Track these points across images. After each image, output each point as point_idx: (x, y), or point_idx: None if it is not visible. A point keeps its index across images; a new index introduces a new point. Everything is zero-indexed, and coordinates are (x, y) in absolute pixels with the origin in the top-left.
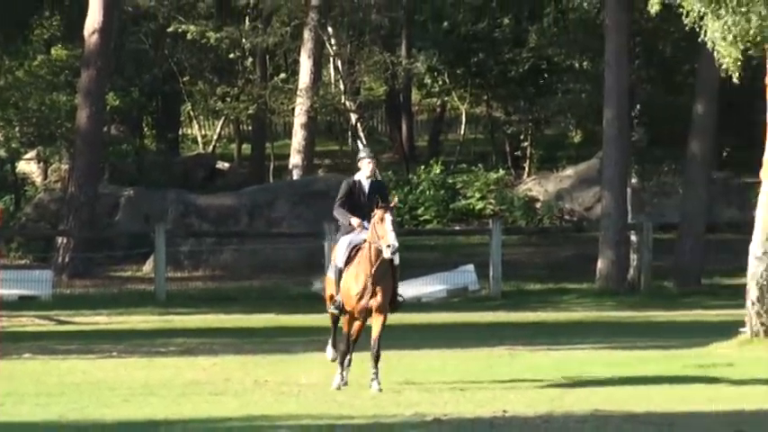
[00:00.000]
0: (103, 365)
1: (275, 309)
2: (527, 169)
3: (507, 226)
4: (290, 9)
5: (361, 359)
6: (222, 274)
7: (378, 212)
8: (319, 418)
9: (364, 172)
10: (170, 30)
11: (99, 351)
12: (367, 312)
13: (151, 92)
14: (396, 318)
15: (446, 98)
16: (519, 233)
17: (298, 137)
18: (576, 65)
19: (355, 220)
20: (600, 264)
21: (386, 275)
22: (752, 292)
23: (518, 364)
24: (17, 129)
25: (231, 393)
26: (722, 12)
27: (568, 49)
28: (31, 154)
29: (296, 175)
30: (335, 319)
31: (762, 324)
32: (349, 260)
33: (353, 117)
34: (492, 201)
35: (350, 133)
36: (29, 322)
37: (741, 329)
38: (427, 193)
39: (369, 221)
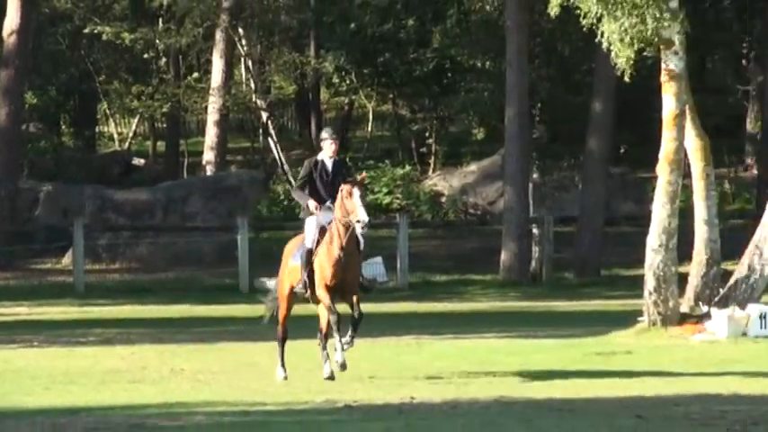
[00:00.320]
0: (25, 354)
1: (190, 300)
2: (432, 165)
3: (413, 220)
4: (203, 11)
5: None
6: (138, 266)
7: (345, 187)
8: (234, 405)
9: (326, 152)
10: (86, 31)
11: (20, 341)
12: (341, 285)
13: (68, 90)
14: (306, 309)
15: (353, 96)
16: (425, 227)
17: (210, 134)
18: (479, 64)
19: (312, 203)
20: (503, 256)
21: (353, 253)
22: (649, 283)
23: (425, 353)
24: None
25: (149, 381)
26: (619, 14)
27: (471, 49)
28: None
29: (209, 170)
30: (284, 337)
31: (659, 313)
32: (318, 242)
33: (264, 115)
34: (399, 195)
35: (261, 131)
36: None
37: (639, 319)
38: None
39: (333, 200)
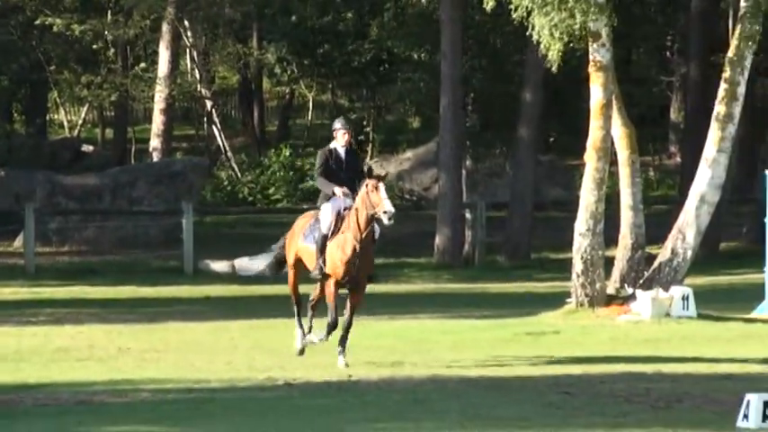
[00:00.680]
0: None
1: (136, 281)
2: (370, 152)
3: None
4: (150, 4)
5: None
6: (87, 249)
7: (371, 182)
8: (178, 382)
9: (339, 141)
10: (37, 22)
11: None
12: (351, 279)
13: (20, 80)
14: (247, 290)
15: (294, 86)
16: None
17: (157, 122)
18: (415, 56)
19: (338, 189)
20: (437, 240)
21: (369, 245)
22: (577, 266)
23: (362, 333)
24: None
25: (96, 359)
26: (548, 8)
27: (407, 41)
28: None
29: (155, 157)
30: (298, 301)
31: (586, 295)
32: (334, 228)
33: (209, 104)
34: None
35: (205, 119)
36: None
37: (567, 300)
38: (277, 174)
39: (348, 188)
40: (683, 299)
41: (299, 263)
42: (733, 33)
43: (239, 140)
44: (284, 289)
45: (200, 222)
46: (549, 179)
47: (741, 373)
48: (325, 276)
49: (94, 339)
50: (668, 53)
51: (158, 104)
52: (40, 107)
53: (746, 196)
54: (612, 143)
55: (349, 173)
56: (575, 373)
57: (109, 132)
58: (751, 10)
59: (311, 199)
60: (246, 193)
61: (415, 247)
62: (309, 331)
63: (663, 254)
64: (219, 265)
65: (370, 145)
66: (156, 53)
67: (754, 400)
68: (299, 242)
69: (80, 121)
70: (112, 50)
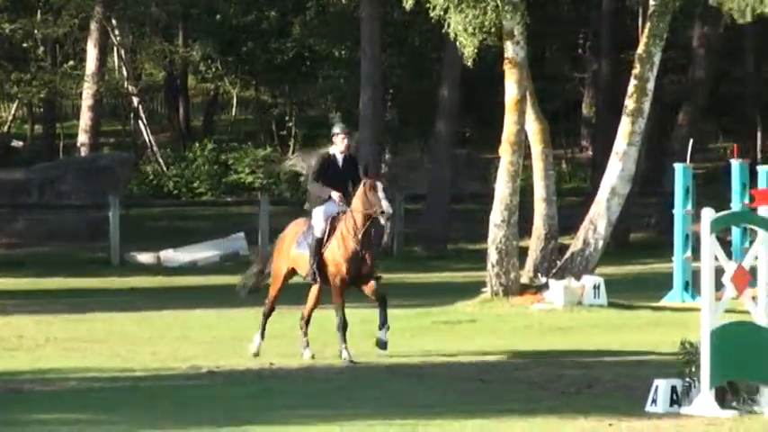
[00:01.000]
0: None
1: (64, 272)
2: (292, 147)
3: (274, 198)
4: (78, 3)
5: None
6: (16, 241)
7: (368, 181)
8: (104, 371)
9: (339, 147)
10: None
11: None
12: (355, 278)
13: None
14: (172, 281)
15: (219, 83)
16: (285, 204)
17: (85, 118)
18: (336, 53)
19: (335, 193)
20: None
21: (370, 242)
22: (492, 256)
23: (284, 322)
24: None
25: (24, 349)
26: (464, 6)
27: (328, 39)
28: None
29: (83, 152)
30: (269, 312)
31: (501, 284)
32: (329, 232)
33: (135, 100)
34: (260, 175)
35: (132, 115)
36: None
37: (482, 290)
38: (202, 168)
39: (344, 194)
40: (594, 288)
41: (291, 273)
42: (642, 31)
43: (165, 136)
44: (209, 280)
45: (126, 215)
46: (466, 172)
47: (650, 359)
48: (321, 280)
49: (23, 330)
50: (580, 51)
51: (86, 101)
52: None
53: (655, 189)
54: (526, 137)
55: (345, 181)
56: (490, 361)
57: (38, 128)
58: (659, 9)
59: (235, 192)
60: (172, 186)
61: None
62: (308, 344)
63: (575, 244)
64: (145, 257)
65: (292, 140)
66: (84, 51)
67: (662, 386)
68: (293, 250)
69: (10, 118)
70: (42, 48)
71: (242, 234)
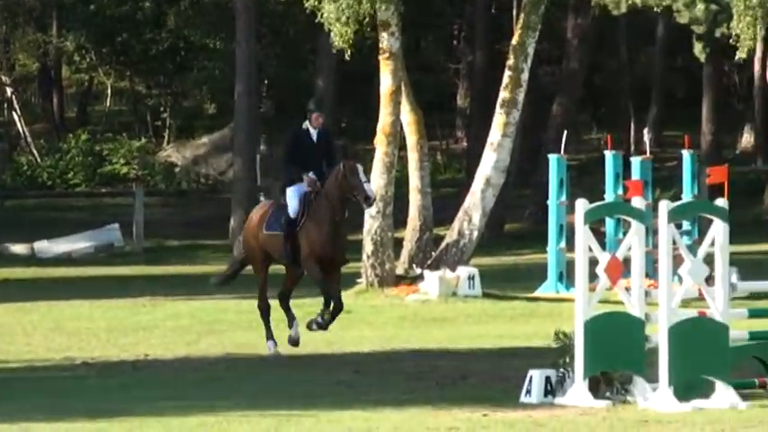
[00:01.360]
0: None
1: None
2: (167, 138)
3: (149, 189)
4: None
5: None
6: None
7: (348, 164)
8: None
9: (312, 122)
10: None
11: None
12: (327, 261)
13: None
14: (46, 272)
15: (93, 74)
16: (160, 195)
17: None
18: (211, 44)
19: (307, 177)
20: (232, 222)
21: (341, 227)
22: (367, 247)
23: (159, 313)
24: None
25: None
26: None
27: (203, 30)
28: None
29: None
30: (266, 310)
31: (376, 275)
32: (303, 213)
33: (9, 90)
34: (135, 166)
35: (6, 105)
36: None
37: (358, 280)
38: (76, 159)
39: (317, 171)
40: (469, 278)
41: (265, 256)
42: (516, 23)
43: (39, 126)
44: (83, 271)
45: None
46: None
47: (524, 349)
48: (291, 260)
49: None
50: (455, 41)
51: None
52: None
53: (529, 180)
54: (401, 128)
55: (320, 155)
56: (364, 352)
57: None
58: (532, 1)
59: (110, 183)
60: (46, 177)
61: (210, 229)
62: (291, 325)
63: (450, 235)
64: (19, 248)
65: (167, 131)
66: None
67: (536, 376)
68: (263, 231)
69: None
70: None
71: (116, 225)
